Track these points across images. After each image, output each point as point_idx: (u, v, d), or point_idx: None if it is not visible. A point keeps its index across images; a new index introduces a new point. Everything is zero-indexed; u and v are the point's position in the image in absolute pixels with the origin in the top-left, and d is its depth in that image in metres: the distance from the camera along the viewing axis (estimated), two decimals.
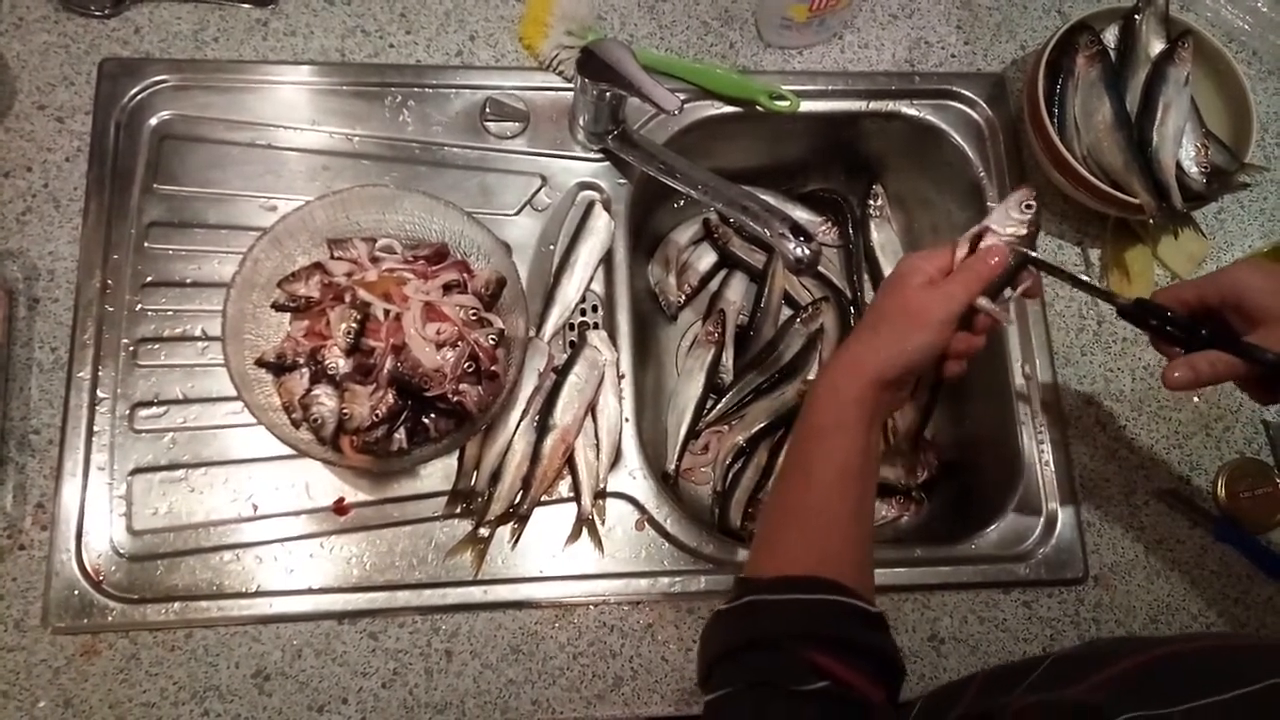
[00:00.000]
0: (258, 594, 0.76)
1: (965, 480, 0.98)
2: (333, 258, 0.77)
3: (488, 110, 0.90)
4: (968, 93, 0.97)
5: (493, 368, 0.76)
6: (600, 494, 0.81)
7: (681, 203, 1.06)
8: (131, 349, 0.80)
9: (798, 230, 0.73)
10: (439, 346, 0.74)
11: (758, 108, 0.93)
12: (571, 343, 0.87)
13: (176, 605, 0.74)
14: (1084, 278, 0.68)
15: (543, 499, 0.80)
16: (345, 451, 0.73)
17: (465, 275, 0.78)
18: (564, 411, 0.80)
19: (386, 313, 0.74)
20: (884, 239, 1.07)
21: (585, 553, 0.80)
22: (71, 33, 0.86)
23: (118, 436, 0.77)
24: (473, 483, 0.80)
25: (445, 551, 0.78)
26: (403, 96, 0.89)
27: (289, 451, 0.71)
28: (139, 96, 0.85)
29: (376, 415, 0.72)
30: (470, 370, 0.74)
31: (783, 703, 0.51)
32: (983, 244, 0.64)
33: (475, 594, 0.77)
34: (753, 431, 0.97)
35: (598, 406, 0.83)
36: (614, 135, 0.87)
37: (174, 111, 0.85)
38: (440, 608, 0.77)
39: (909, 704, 0.58)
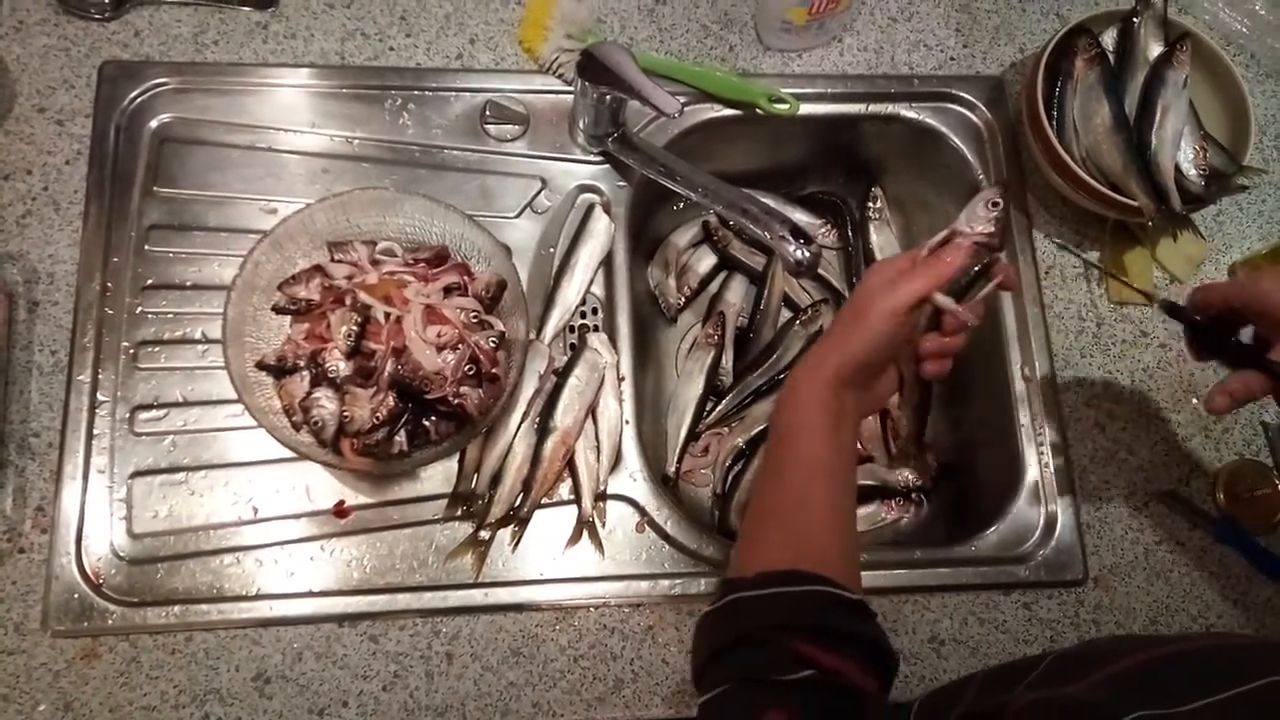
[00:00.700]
0: (258, 597, 0.76)
1: (965, 482, 0.98)
2: (333, 260, 0.77)
3: (488, 113, 0.90)
4: (967, 95, 0.97)
5: (493, 370, 0.76)
6: (600, 496, 0.81)
7: (681, 205, 1.06)
8: (132, 352, 0.79)
9: (797, 233, 0.73)
10: (439, 349, 0.74)
11: (757, 110, 0.93)
12: (572, 345, 0.87)
13: (177, 608, 0.74)
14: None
15: (543, 501, 0.80)
16: (346, 454, 0.73)
17: (466, 278, 0.78)
18: (564, 414, 0.80)
19: (387, 315, 0.74)
20: (883, 241, 1.07)
21: (586, 555, 0.80)
22: (71, 35, 0.86)
23: (118, 439, 0.77)
24: (473, 485, 0.80)
25: (446, 554, 0.78)
26: (403, 99, 0.89)
27: (289, 454, 0.72)
28: (139, 99, 0.85)
29: (377, 418, 0.72)
30: (471, 373, 0.74)
31: (768, 694, 0.52)
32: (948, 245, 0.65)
33: (476, 596, 0.77)
34: (752, 434, 0.97)
35: (598, 409, 0.83)
36: (614, 138, 0.87)
37: (174, 114, 0.85)
38: (441, 610, 0.77)
39: (908, 704, 0.58)
